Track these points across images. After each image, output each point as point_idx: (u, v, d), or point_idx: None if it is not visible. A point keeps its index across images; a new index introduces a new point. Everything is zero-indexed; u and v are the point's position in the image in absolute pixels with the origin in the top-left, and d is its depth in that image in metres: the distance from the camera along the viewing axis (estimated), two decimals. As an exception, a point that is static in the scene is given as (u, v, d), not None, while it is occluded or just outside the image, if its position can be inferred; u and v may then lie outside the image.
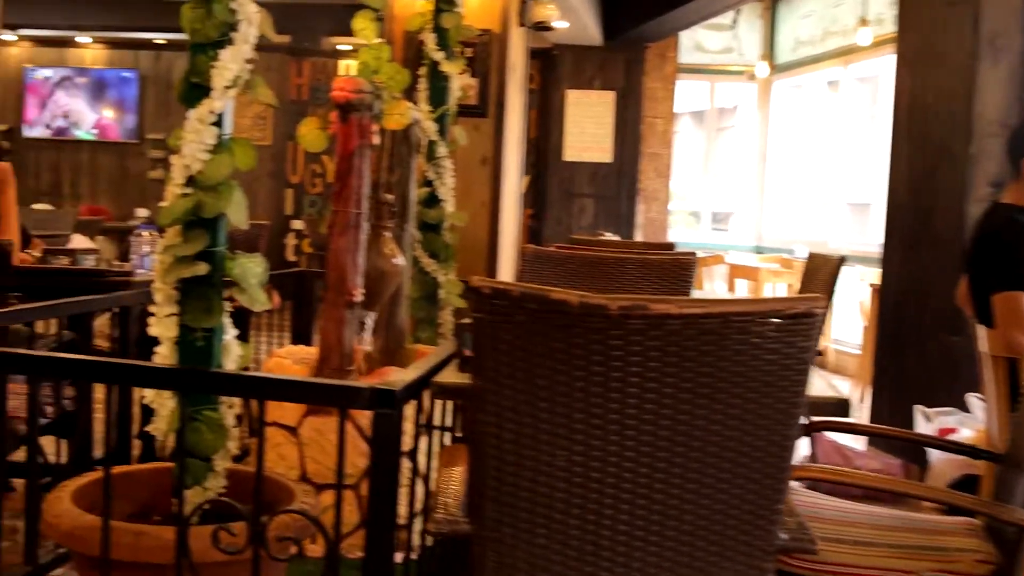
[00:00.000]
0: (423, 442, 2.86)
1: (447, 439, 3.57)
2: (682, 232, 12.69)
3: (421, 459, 2.82)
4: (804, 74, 11.81)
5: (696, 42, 12.16)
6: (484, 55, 5.86)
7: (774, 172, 12.51)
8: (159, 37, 12.57)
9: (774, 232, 12.34)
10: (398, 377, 3.67)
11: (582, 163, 10.76)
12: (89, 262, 4.20)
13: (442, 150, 4.82)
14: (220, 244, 2.58)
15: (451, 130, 4.91)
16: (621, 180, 10.74)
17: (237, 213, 2.54)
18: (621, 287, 3.32)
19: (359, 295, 3.65)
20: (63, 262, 4.15)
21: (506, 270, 6.09)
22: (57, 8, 11.43)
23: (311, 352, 4.03)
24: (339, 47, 12.40)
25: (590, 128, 10.71)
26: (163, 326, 2.59)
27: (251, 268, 2.59)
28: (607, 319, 1.68)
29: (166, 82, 12.74)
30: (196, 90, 2.54)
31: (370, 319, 3.99)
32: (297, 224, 12.62)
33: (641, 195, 11.04)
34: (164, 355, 2.60)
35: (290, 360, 3.94)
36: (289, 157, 12.63)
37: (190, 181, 2.52)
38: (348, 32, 3.92)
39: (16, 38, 12.89)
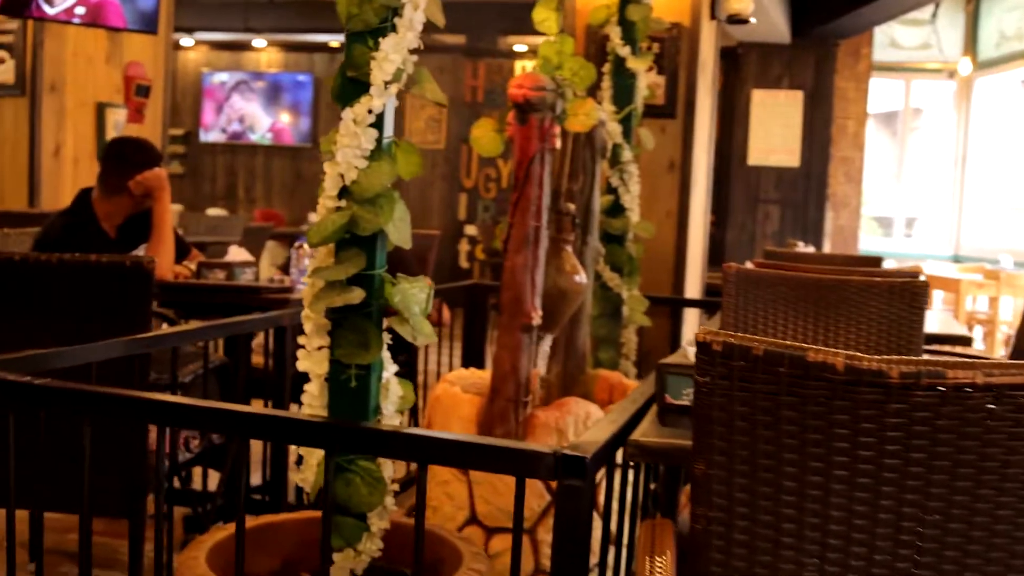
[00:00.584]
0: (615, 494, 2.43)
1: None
2: (871, 240, 11.98)
3: (613, 508, 2.41)
4: (1008, 71, 11.00)
5: (891, 38, 11.44)
6: (672, 51, 5.42)
7: (974, 176, 11.69)
8: (333, 40, 12.50)
9: (974, 240, 11.52)
10: (581, 411, 3.28)
11: (767, 167, 10.16)
12: (247, 276, 3.90)
13: (627, 154, 4.40)
14: (378, 266, 2.19)
15: (637, 132, 4.50)
16: (809, 185, 10.10)
17: (398, 231, 2.15)
18: (843, 317, 2.84)
19: (537, 318, 3.24)
20: (219, 276, 3.86)
21: (692, 286, 5.61)
22: (232, 12, 11.42)
23: (483, 377, 3.65)
24: (515, 47, 12.11)
25: (776, 130, 10.11)
26: (312, 361, 2.22)
27: (413, 295, 2.19)
28: (884, 389, 1.23)
29: (340, 85, 12.65)
30: (353, 86, 2.15)
31: (548, 342, 3.59)
32: (471, 230, 12.38)
33: (830, 201, 10.38)
34: (313, 394, 2.24)
35: (459, 386, 3.56)
36: (463, 161, 12.41)
37: (344, 192, 2.15)
38: (524, 32, 3.52)
39: (193, 43, 12.98)
